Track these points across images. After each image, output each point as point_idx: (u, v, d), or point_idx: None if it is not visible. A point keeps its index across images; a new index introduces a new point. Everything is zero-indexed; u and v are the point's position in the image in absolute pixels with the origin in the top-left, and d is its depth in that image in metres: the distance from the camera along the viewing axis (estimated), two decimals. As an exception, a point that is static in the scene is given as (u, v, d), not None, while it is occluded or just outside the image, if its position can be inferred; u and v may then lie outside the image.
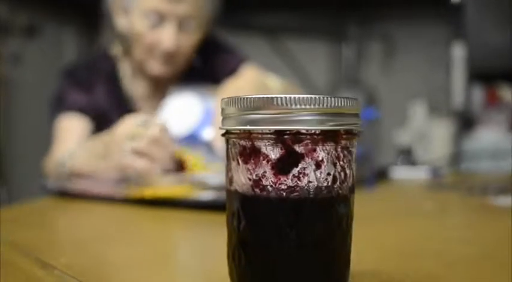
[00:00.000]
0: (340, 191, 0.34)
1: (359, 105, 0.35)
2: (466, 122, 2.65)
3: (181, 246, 0.55)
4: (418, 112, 2.88)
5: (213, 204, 0.70)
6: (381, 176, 1.20)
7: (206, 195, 0.72)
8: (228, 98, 0.36)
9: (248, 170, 0.34)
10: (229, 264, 0.36)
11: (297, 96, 0.33)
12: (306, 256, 0.33)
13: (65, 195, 0.84)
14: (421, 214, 0.76)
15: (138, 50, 1.11)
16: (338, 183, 0.34)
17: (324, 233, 0.34)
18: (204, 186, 0.74)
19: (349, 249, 0.36)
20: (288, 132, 0.33)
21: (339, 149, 0.34)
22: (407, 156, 1.56)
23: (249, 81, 1.01)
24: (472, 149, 2.42)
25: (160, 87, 1.18)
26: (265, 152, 0.33)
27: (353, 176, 0.36)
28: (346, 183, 0.35)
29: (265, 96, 0.33)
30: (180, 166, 0.88)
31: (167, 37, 1.06)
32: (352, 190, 0.36)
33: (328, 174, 0.34)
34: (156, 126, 0.85)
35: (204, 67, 1.21)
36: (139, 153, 0.83)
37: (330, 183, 0.34)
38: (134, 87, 1.20)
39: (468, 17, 2.61)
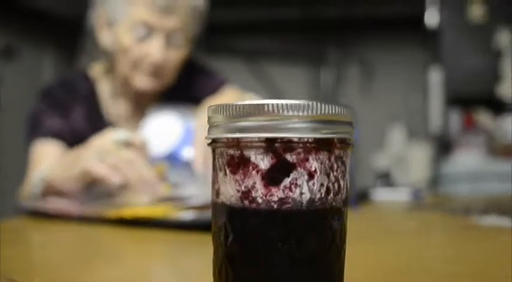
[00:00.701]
0: (334, 203, 0.32)
1: (352, 113, 0.34)
2: (443, 146, 2.67)
3: (161, 266, 0.53)
4: (397, 136, 2.90)
5: (193, 224, 0.67)
6: (362, 197, 1.18)
7: (186, 215, 0.70)
8: (214, 105, 0.34)
9: (236, 181, 0.32)
10: (215, 282, 0.34)
11: (288, 102, 0.31)
12: (299, 272, 0.31)
13: (40, 215, 0.81)
14: (406, 233, 0.75)
15: (124, 64, 1.08)
16: (332, 195, 0.32)
17: (318, 248, 0.32)
18: (184, 206, 0.72)
19: (343, 265, 0.34)
20: (279, 140, 0.31)
21: (333, 159, 0.32)
22: (385, 179, 1.55)
23: (230, 99, 1.00)
24: (450, 172, 2.43)
25: (141, 108, 1.16)
26: (255, 161, 0.32)
27: (347, 188, 0.34)
28: (340, 195, 0.33)
29: (255, 102, 0.32)
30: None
31: (155, 49, 1.05)
32: (346, 203, 0.34)
33: (322, 185, 0.32)
34: (135, 148, 0.83)
35: (184, 88, 1.19)
36: (109, 166, 0.80)
37: (323, 195, 0.32)
38: (114, 108, 1.17)
39: (445, 42, 2.65)
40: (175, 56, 1.08)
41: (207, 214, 0.68)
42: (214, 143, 0.34)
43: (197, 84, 1.21)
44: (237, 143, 0.32)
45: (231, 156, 0.32)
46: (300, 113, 0.31)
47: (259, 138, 0.31)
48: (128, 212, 0.72)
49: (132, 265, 0.51)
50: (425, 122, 2.84)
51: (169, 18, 1.04)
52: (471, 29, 2.64)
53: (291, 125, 0.31)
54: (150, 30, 1.04)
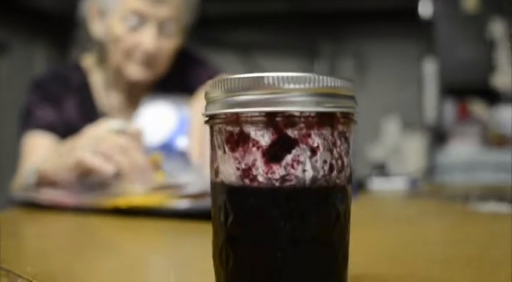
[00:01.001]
0: (337, 181, 0.31)
1: (355, 87, 0.32)
2: (438, 136, 2.66)
3: (157, 255, 0.51)
4: (391, 127, 2.89)
5: (189, 213, 0.66)
6: (359, 187, 1.17)
7: (182, 204, 0.68)
8: (212, 80, 0.32)
9: (236, 158, 0.31)
10: (215, 266, 0.32)
11: (289, 74, 0.30)
12: (302, 253, 0.30)
13: (33, 206, 0.79)
14: (406, 219, 0.73)
15: (116, 54, 1.07)
16: (335, 172, 0.31)
17: (322, 227, 0.30)
18: (179, 195, 0.70)
19: (348, 247, 0.33)
20: (280, 114, 0.30)
21: (336, 135, 0.31)
22: (381, 170, 1.54)
23: None
24: (444, 163, 2.43)
25: (134, 99, 1.14)
26: (255, 137, 0.30)
27: (350, 166, 0.32)
28: (343, 173, 0.32)
29: (254, 75, 0.30)
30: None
31: (148, 38, 1.03)
32: (349, 181, 0.32)
33: (325, 162, 0.31)
34: (128, 135, 0.81)
35: (178, 78, 1.17)
36: (102, 155, 0.78)
37: (326, 172, 0.31)
38: (107, 99, 1.15)
39: (439, 33, 2.64)
40: (168, 45, 1.07)
41: (203, 202, 0.67)
42: (212, 119, 0.32)
43: (191, 74, 1.19)
44: (236, 119, 0.30)
45: (229, 133, 0.31)
46: (302, 86, 0.30)
47: (259, 112, 0.30)
48: (123, 202, 0.70)
49: (128, 254, 0.50)
50: (419, 113, 2.84)
51: (162, 7, 1.03)
52: (465, 20, 2.63)
53: (292, 99, 0.30)
54: (142, 19, 1.03)
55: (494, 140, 2.62)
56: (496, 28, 2.61)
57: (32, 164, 0.91)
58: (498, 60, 2.62)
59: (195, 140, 0.87)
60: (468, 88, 2.64)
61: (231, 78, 0.31)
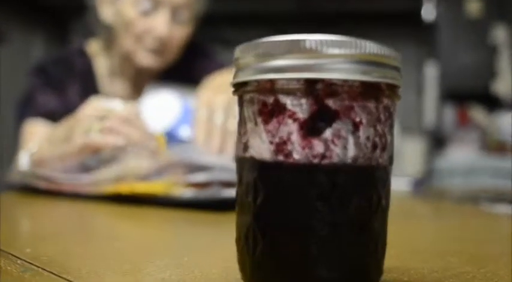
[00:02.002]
0: (380, 160, 0.28)
1: (400, 57, 0.29)
2: (437, 141, 2.64)
3: (160, 242, 0.48)
4: (390, 130, 2.87)
5: (193, 202, 0.63)
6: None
7: (186, 193, 0.65)
8: (243, 44, 0.29)
9: (269, 131, 0.27)
10: (239, 251, 0.29)
11: (331, 38, 0.27)
12: (341, 238, 0.26)
13: (31, 190, 0.75)
14: (421, 217, 0.71)
15: (127, 39, 1.03)
16: (378, 150, 0.28)
17: (362, 211, 0.27)
18: (185, 183, 0.67)
19: (386, 235, 0.30)
20: (320, 82, 0.26)
21: (381, 109, 0.28)
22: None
23: (230, 78, 0.95)
24: (443, 167, 2.41)
25: (139, 86, 1.11)
26: (292, 108, 0.27)
27: (393, 145, 0.29)
28: (386, 152, 0.28)
29: (291, 37, 0.27)
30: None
31: (161, 24, 0.99)
32: (391, 161, 0.29)
33: (367, 138, 0.27)
34: (127, 108, 0.77)
35: (184, 68, 1.14)
36: (108, 130, 0.74)
37: (369, 150, 0.27)
38: (111, 86, 1.11)
39: (441, 37, 2.62)
40: (180, 32, 1.03)
41: (208, 192, 0.64)
42: (241, 88, 0.29)
43: (197, 65, 1.16)
44: (270, 87, 0.27)
45: (262, 103, 0.27)
46: (346, 51, 0.26)
47: (297, 79, 0.26)
48: (125, 188, 0.67)
49: (129, 241, 0.47)
50: (419, 117, 2.82)
51: None
52: (467, 25, 2.62)
53: (335, 65, 0.26)
54: (155, 3, 1.00)
55: (494, 146, 2.60)
56: (499, 34, 2.60)
57: (27, 151, 0.88)
58: (499, 66, 2.60)
59: (201, 131, 0.84)
60: (468, 93, 2.62)
61: (265, 41, 0.28)
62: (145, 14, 1.00)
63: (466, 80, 2.63)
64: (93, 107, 0.78)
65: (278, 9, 2.96)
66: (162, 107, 0.96)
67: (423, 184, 1.39)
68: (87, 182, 0.72)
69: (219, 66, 1.15)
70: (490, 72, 2.61)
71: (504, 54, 2.60)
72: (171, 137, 0.87)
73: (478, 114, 2.74)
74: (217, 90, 0.88)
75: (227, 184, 0.65)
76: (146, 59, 1.03)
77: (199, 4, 1.07)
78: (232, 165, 0.67)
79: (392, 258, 0.37)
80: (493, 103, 2.64)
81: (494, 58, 2.62)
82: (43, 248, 0.39)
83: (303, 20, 3.03)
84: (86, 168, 0.74)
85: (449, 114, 2.74)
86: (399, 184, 1.27)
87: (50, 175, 0.75)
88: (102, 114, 0.75)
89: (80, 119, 0.77)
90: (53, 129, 0.90)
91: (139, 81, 1.10)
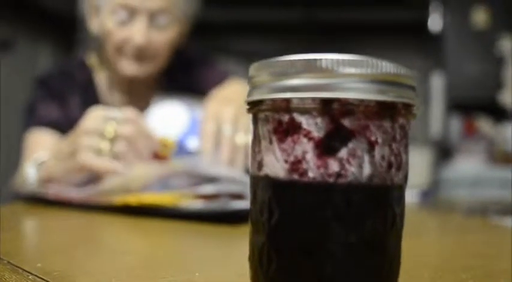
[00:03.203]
0: (395, 180, 0.28)
1: (416, 77, 0.29)
2: (444, 152, 2.63)
3: (170, 256, 0.48)
4: (396, 140, 2.86)
5: (202, 214, 0.63)
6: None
7: (195, 204, 0.65)
8: (257, 63, 0.29)
9: (284, 150, 0.27)
10: (252, 268, 0.29)
11: (347, 57, 0.27)
12: (356, 258, 0.26)
13: (39, 200, 0.75)
14: (431, 231, 0.70)
15: (109, 50, 1.04)
16: (393, 169, 0.28)
17: (377, 230, 0.27)
18: (193, 194, 0.67)
19: (400, 254, 0.29)
20: (336, 102, 0.26)
21: (396, 128, 0.28)
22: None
23: (237, 90, 0.95)
24: (450, 178, 2.40)
25: (138, 98, 1.11)
26: (307, 127, 0.27)
27: (408, 163, 0.29)
28: (401, 171, 0.28)
29: (307, 57, 0.27)
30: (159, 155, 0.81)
31: (137, 32, 1.00)
32: (406, 180, 0.29)
33: (383, 157, 0.27)
34: (130, 121, 0.78)
35: (185, 79, 1.15)
36: (116, 156, 0.75)
37: (384, 169, 0.27)
38: (112, 98, 1.12)
39: (447, 48, 2.62)
40: (160, 37, 1.03)
41: (217, 204, 0.64)
42: (256, 106, 0.29)
43: (199, 75, 1.16)
44: (286, 105, 0.27)
45: (278, 122, 0.28)
46: (361, 71, 0.26)
47: (313, 99, 0.26)
48: (133, 199, 0.67)
49: (137, 254, 0.46)
50: (425, 128, 2.81)
51: None
52: (474, 35, 2.61)
53: (351, 85, 0.26)
54: (131, 12, 1.00)
55: (500, 157, 2.59)
56: (505, 45, 2.59)
57: (32, 161, 0.88)
58: (506, 76, 2.60)
59: (208, 144, 0.84)
60: (475, 104, 2.61)
61: (280, 60, 0.28)
62: (123, 24, 1.00)
63: (473, 91, 2.62)
64: (93, 117, 0.78)
65: (283, 18, 2.96)
66: (169, 118, 0.97)
67: (431, 195, 1.38)
68: (95, 193, 0.72)
69: (223, 75, 1.16)
70: (497, 82, 2.60)
71: (510, 65, 2.60)
72: (178, 148, 0.87)
73: (484, 124, 2.73)
74: (224, 103, 0.88)
75: (235, 196, 0.65)
76: (129, 68, 1.03)
77: (183, 7, 1.07)
78: (241, 177, 0.67)
79: (404, 274, 0.37)
80: (499, 114, 2.63)
81: (500, 69, 2.61)
82: (54, 263, 0.39)
83: (308, 30, 3.04)
84: (91, 179, 0.74)
85: (456, 124, 2.73)
86: (407, 196, 1.27)
87: (58, 187, 0.75)
88: (101, 130, 0.76)
89: (82, 132, 0.77)
90: (59, 144, 0.90)
91: (136, 92, 1.11)
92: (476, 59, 2.61)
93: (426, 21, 2.73)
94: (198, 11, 1.12)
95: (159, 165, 0.75)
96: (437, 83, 2.72)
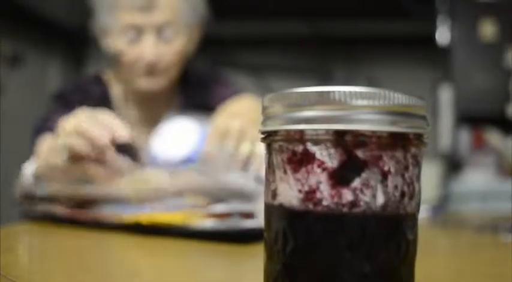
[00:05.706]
0: (408, 209, 0.28)
1: (427, 106, 0.30)
2: (453, 165, 2.62)
3: (182, 278, 0.48)
4: (405, 153, 2.85)
5: (214, 234, 0.63)
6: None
7: (206, 224, 0.65)
8: (270, 94, 0.30)
9: (298, 180, 0.28)
10: (267, 297, 0.30)
11: (359, 89, 0.27)
12: (370, 287, 0.27)
13: (48, 219, 0.76)
14: (443, 250, 0.70)
15: (123, 68, 1.07)
16: (406, 199, 0.28)
17: (391, 259, 0.27)
18: (205, 213, 0.67)
19: (414, 277, 0.30)
20: (349, 133, 0.27)
21: (408, 158, 0.28)
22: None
23: (245, 105, 0.97)
24: (460, 191, 2.39)
25: (153, 114, 1.13)
26: (321, 158, 0.27)
27: (420, 192, 0.30)
28: (414, 200, 0.29)
29: (320, 89, 0.28)
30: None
31: (146, 49, 1.03)
32: (419, 208, 0.30)
33: (396, 187, 0.28)
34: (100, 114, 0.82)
35: (199, 97, 1.16)
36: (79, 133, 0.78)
37: (397, 199, 0.28)
38: (127, 112, 1.14)
39: (455, 60, 2.62)
40: (169, 49, 1.06)
41: (229, 223, 0.64)
42: (270, 136, 0.29)
43: (213, 93, 1.18)
44: (299, 136, 0.28)
45: (292, 152, 0.28)
46: (373, 102, 0.27)
47: (326, 130, 0.27)
48: (144, 218, 0.67)
49: (150, 274, 0.47)
50: (434, 141, 2.80)
51: (154, 14, 1.03)
52: (482, 48, 2.61)
53: (363, 116, 0.27)
54: (138, 31, 1.03)
55: (510, 169, 2.58)
56: (514, 57, 2.59)
57: (27, 171, 0.89)
58: (515, 89, 2.59)
59: (212, 152, 0.86)
60: (484, 117, 2.61)
61: (293, 92, 0.28)
62: (132, 42, 1.04)
63: (481, 103, 2.62)
64: (77, 117, 0.81)
65: (289, 31, 2.98)
66: (180, 133, 0.98)
67: (441, 210, 1.38)
68: (108, 213, 0.72)
69: (236, 93, 1.17)
70: (506, 95, 2.60)
71: (519, 78, 2.59)
72: (189, 164, 0.89)
73: (493, 137, 2.73)
74: (232, 116, 0.90)
75: (247, 215, 0.66)
76: (143, 83, 1.07)
77: (187, 16, 1.09)
78: (249, 185, 0.67)
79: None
80: (508, 126, 2.62)
81: (509, 81, 2.61)
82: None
83: (315, 42, 3.05)
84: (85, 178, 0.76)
85: (465, 137, 2.72)
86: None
87: (68, 206, 0.76)
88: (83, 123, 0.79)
89: (64, 130, 0.80)
90: (50, 142, 0.93)
91: (151, 107, 1.13)
92: (485, 72, 2.61)
93: (434, 34, 2.73)
94: (205, 17, 1.14)
95: (171, 173, 0.76)
96: (445, 96, 2.71)
